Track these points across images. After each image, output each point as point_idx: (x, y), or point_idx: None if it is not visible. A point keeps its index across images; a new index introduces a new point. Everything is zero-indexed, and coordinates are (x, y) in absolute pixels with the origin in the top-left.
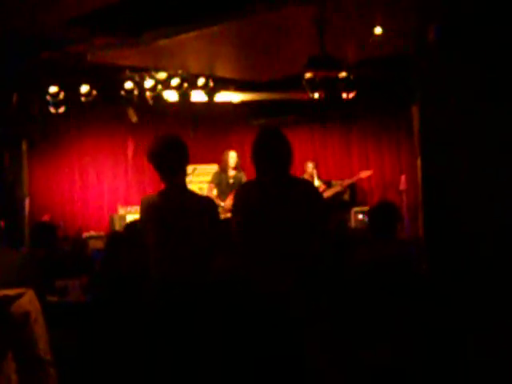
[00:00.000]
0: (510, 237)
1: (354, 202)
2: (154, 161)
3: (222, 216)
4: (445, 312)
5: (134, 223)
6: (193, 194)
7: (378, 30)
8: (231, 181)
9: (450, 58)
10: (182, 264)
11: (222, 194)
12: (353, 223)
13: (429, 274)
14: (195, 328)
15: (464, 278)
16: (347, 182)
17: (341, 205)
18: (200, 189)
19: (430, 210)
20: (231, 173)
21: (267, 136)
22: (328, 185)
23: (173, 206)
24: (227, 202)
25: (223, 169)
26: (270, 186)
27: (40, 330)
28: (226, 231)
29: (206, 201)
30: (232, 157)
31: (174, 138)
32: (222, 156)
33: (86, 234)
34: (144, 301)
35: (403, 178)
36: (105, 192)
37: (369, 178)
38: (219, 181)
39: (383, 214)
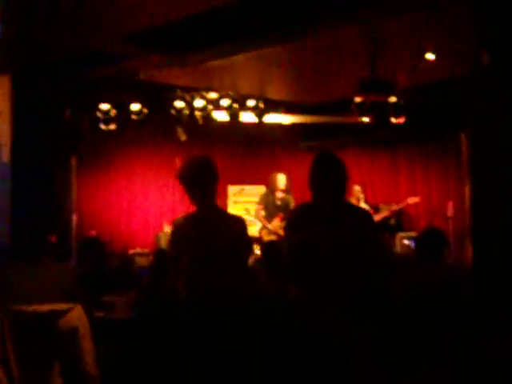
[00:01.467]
0: None
1: (400, 227)
2: (184, 183)
3: (267, 238)
4: (491, 338)
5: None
6: (224, 214)
7: (429, 55)
8: (279, 203)
9: (503, 83)
10: (215, 286)
11: (269, 216)
12: (398, 248)
13: (476, 300)
14: (233, 352)
15: None
16: (395, 207)
17: (387, 229)
18: (246, 209)
19: (479, 238)
20: (279, 195)
21: (325, 160)
22: (375, 209)
23: (206, 228)
24: (274, 224)
25: (271, 190)
26: (327, 210)
27: (88, 345)
28: (273, 253)
29: (238, 220)
30: (280, 179)
31: (204, 158)
32: (270, 178)
33: (131, 251)
34: (179, 323)
35: (450, 204)
36: (151, 209)
37: (416, 203)
38: (267, 202)
39: (431, 239)
